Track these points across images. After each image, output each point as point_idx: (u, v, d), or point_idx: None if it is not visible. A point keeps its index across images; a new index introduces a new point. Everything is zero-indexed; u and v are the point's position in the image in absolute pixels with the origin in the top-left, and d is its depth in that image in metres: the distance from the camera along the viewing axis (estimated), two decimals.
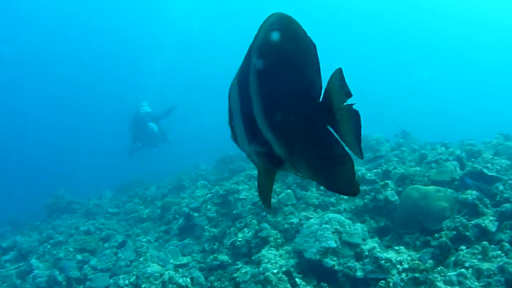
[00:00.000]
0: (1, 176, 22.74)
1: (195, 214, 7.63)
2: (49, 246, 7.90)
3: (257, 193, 7.45)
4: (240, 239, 6.56)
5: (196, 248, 7.11)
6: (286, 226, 6.44)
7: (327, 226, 5.65)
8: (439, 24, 38.66)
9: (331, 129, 1.08)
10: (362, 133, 1.10)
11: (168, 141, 12.89)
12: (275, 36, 1.04)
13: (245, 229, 6.81)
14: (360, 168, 7.69)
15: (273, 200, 7.19)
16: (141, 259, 6.75)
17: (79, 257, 7.17)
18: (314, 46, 1.06)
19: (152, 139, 12.25)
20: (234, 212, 7.64)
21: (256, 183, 2.14)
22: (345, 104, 1.04)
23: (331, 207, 6.92)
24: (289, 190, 7.31)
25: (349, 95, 1.05)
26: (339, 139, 1.08)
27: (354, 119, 1.04)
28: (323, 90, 1.09)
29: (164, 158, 19.15)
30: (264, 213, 7.04)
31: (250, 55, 1.11)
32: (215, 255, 6.35)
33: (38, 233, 8.88)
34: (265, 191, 1.30)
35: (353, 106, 1.04)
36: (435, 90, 34.40)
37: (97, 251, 7.50)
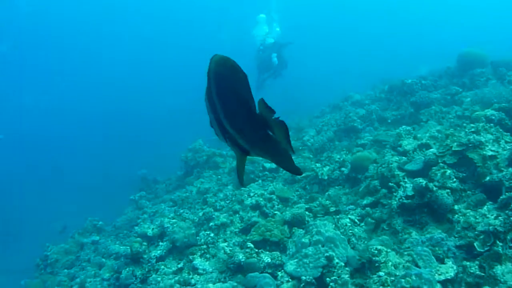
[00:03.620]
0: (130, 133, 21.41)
1: (432, 186, 4.86)
2: (212, 234, 5.55)
3: None
4: None
5: (451, 244, 4.40)
6: None
7: None
8: None
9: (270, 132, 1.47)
10: None
11: (287, 67, 12.66)
12: (222, 70, 1.42)
13: None
14: None
15: None
16: (381, 273, 4.11)
17: (266, 258, 4.73)
18: (246, 75, 1.45)
19: (275, 69, 12.31)
20: (487, 179, 4.84)
21: None
22: (273, 117, 1.42)
23: None
24: None
25: (273, 111, 1.41)
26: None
27: (282, 127, 1.43)
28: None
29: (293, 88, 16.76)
30: None
31: (210, 81, 1.46)
32: None
33: (188, 209, 6.60)
34: (241, 172, 1.73)
35: (279, 118, 1.42)
36: None
37: (286, 244, 5.05)
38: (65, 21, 34.64)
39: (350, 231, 5.04)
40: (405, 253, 4.37)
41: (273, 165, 7.61)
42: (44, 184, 17.57)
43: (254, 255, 4.80)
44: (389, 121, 8.20)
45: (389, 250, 4.34)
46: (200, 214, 6.00)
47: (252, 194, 6.27)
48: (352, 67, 22.47)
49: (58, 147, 22.49)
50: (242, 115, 1.47)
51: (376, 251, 4.21)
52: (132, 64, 33.52)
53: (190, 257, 5.21)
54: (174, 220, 5.92)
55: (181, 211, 6.35)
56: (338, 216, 5.41)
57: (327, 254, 4.41)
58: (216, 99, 1.47)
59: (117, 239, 7.45)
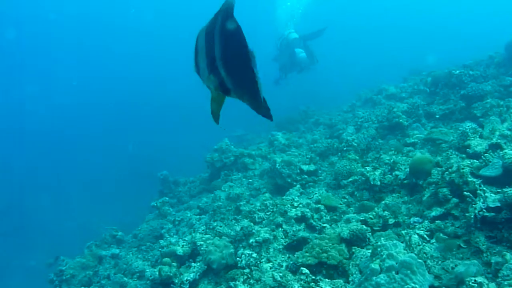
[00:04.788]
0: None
1: None
2: (254, 255, 4.71)
3: None
4: None
5: None
6: None
7: None
8: None
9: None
10: None
11: (318, 62, 11.17)
12: (230, 17, 1.45)
13: None
14: None
15: None
16: None
17: (325, 287, 3.91)
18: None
19: (299, 64, 11.00)
20: None
21: None
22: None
23: None
24: None
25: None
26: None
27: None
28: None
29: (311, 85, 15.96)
30: None
31: (217, 19, 1.52)
32: None
33: (220, 220, 5.75)
34: (216, 112, 1.81)
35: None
36: None
37: (346, 268, 4.22)
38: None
39: (423, 251, 4.21)
40: (505, 282, 3.52)
41: (311, 168, 6.78)
42: (60, 184, 16.98)
43: (313, 284, 3.97)
44: (437, 116, 7.36)
45: (488, 282, 3.48)
46: (238, 228, 5.15)
47: (296, 204, 5.43)
48: (372, 58, 21.58)
49: (74, 146, 21.69)
50: (238, 56, 1.48)
51: (476, 285, 3.36)
52: (147, 59, 32.66)
53: (231, 283, 4.38)
54: (207, 236, 5.10)
55: (214, 224, 5.50)
56: (404, 231, 4.58)
57: (407, 286, 3.57)
58: (218, 36, 1.52)
59: (139, 252, 6.65)
